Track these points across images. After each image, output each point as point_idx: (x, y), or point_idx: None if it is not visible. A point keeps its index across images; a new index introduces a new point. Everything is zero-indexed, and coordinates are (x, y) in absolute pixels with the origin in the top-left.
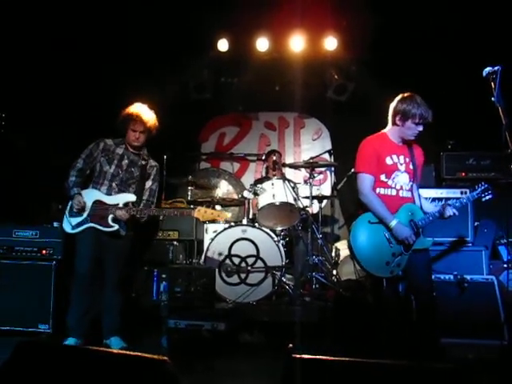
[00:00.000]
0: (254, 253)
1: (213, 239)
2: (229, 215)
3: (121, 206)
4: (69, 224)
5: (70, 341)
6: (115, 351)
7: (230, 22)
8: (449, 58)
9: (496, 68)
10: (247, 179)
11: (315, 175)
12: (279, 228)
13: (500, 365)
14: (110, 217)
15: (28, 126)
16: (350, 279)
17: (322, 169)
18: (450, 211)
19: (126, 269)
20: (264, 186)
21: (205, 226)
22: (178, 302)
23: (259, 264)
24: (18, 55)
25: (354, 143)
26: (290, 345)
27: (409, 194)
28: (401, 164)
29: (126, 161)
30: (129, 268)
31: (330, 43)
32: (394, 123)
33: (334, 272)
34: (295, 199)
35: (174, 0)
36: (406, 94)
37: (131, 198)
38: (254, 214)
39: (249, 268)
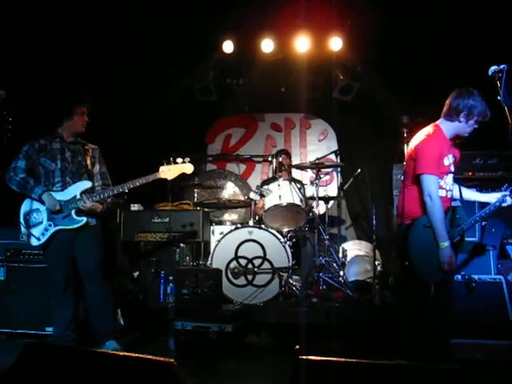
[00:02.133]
0: (261, 254)
1: (219, 241)
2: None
3: (78, 196)
4: (33, 237)
5: None
6: (121, 353)
7: (235, 24)
8: (454, 57)
9: (502, 67)
10: (253, 181)
11: (321, 176)
12: (286, 229)
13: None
14: (73, 212)
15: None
16: (357, 280)
17: (329, 169)
18: (509, 200)
19: (102, 259)
20: (270, 188)
21: (211, 227)
22: (185, 303)
23: (266, 265)
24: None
25: (360, 143)
26: (297, 346)
27: (454, 193)
28: (450, 164)
29: (69, 152)
30: (106, 257)
31: (335, 43)
32: (453, 119)
33: (341, 273)
34: (302, 200)
35: (179, 3)
36: (470, 89)
37: (86, 184)
38: (259, 216)
39: (256, 269)
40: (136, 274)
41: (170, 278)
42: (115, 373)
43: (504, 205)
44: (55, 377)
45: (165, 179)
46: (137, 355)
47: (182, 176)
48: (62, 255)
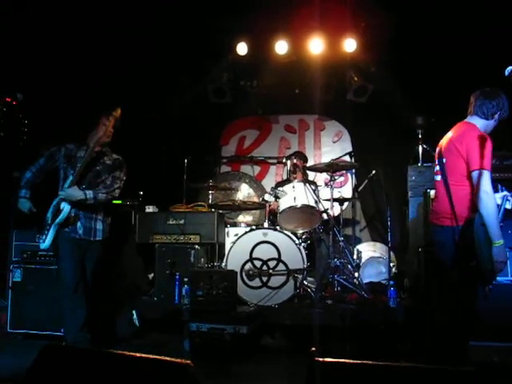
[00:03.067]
0: (276, 256)
1: (234, 242)
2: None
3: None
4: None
5: None
6: (138, 355)
7: (249, 26)
8: (469, 57)
9: None
10: (268, 182)
11: (336, 177)
12: (300, 231)
13: None
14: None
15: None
16: (371, 282)
17: (343, 171)
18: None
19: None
20: (285, 189)
21: (226, 229)
22: (199, 305)
23: (281, 267)
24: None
25: (374, 145)
26: (313, 348)
27: None
28: None
29: (90, 162)
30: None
31: (349, 45)
32: (488, 117)
33: (356, 274)
34: (316, 202)
35: (194, 5)
36: (497, 88)
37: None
38: (273, 218)
39: (270, 271)
40: (151, 275)
41: (185, 279)
42: (132, 374)
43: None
44: (72, 378)
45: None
46: (153, 356)
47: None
48: (72, 256)
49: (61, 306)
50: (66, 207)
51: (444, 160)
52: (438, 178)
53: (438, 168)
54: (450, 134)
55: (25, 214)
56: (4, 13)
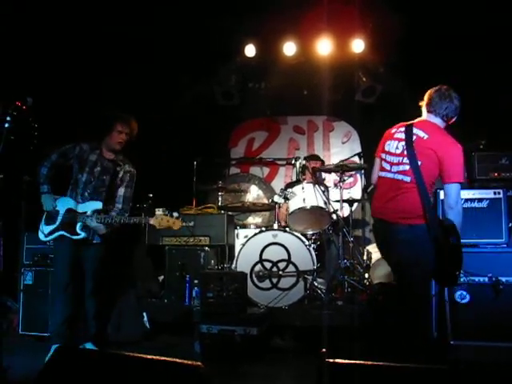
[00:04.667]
0: (286, 257)
1: (244, 244)
2: (182, 224)
3: (89, 213)
4: (41, 232)
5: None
6: (150, 356)
7: (257, 28)
8: (478, 56)
9: None
10: (277, 184)
11: (345, 178)
12: (310, 232)
13: None
14: (79, 225)
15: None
16: (381, 282)
17: (352, 172)
18: None
19: (99, 278)
20: (294, 190)
21: (236, 231)
22: (210, 307)
23: (291, 268)
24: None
25: None
26: (323, 349)
27: None
28: None
29: (99, 168)
30: (103, 274)
31: (357, 45)
32: (449, 120)
33: (366, 275)
34: (326, 203)
35: (201, 7)
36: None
37: (98, 205)
38: (283, 220)
39: (280, 272)
40: (161, 277)
41: (195, 281)
42: (143, 376)
43: None
44: (84, 380)
45: (153, 226)
46: (165, 358)
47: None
48: (67, 257)
49: (50, 302)
50: (82, 234)
51: (419, 163)
52: (406, 178)
53: (406, 168)
54: (421, 136)
55: (36, 215)
56: (5, 13)
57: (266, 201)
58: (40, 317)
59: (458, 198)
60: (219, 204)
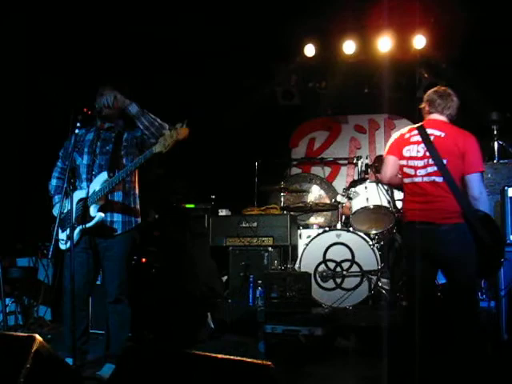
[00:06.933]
0: (349, 257)
1: (307, 244)
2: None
3: (97, 190)
4: (61, 240)
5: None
6: (220, 356)
7: (316, 27)
8: None
9: None
10: (339, 183)
11: None
12: (374, 231)
13: None
14: (92, 208)
15: None
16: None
17: None
18: None
19: (126, 280)
20: (357, 190)
21: (299, 231)
22: (274, 307)
23: (355, 268)
24: None
25: None
26: None
27: None
28: None
29: (99, 143)
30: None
31: (419, 41)
32: (453, 118)
33: None
34: (389, 202)
35: (260, 9)
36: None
37: (103, 176)
38: (346, 219)
39: (344, 272)
40: (225, 278)
41: (259, 281)
42: (213, 375)
43: None
44: (155, 379)
45: (160, 152)
46: (235, 357)
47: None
48: (85, 264)
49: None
50: (97, 215)
51: (445, 161)
52: (438, 179)
53: (435, 168)
54: (438, 134)
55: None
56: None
57: (327, 201)
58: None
59: (481, 187)
60: (281, 204)
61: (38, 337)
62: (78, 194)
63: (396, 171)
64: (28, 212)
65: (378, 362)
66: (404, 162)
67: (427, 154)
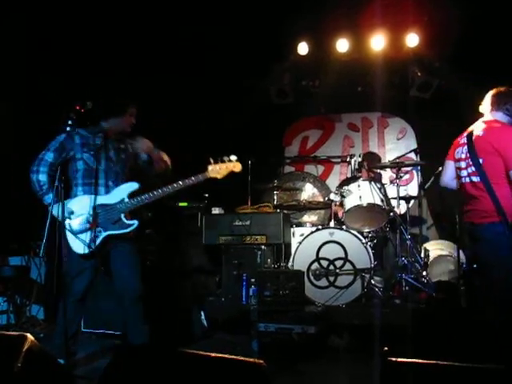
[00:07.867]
0: (343, 255)
1: (300, 242)
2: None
3: (126, 200)
4: (80, 244)
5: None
6: (213, 354)
7: (309, 26)
8: None
9: None
10: (332, 181)
11: (401, 175)
12: (367, 230)
13: None
14: (123, 216)
15: None
16: (440, 280)
17: (408, 168)
18: None
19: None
20: (350, 188)
21: (292, 229)
22: (267, 305)
23: (348, 266)
24: None
25: (440, 141)
26: (386, 348)
27: None
28: None
29: (112, 151)
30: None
31: (412, 40)
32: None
33: (424, 273)
34: (382, 200)
35: (254, 7)
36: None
37: (134, 186)
38: (336, 217)
39: (337, 271)
40: (218, 276)
41: (252, 280)
42: (205, 373)
43: None
44: (146, 377)
45: (214, 178)
46: (227, 356)
47: (231, 174)
48: (90, 266)
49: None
50: (134, 222)
51: (481, 160)
52: (475, 179)
53: (473, 168)
54: (478, 133)
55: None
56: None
57: (321, 199)
58: (102, 315)
59: None
60: (275, 203)
61: (29, 335)
62: (92, 199)
63: (452, 175)
64: (20, 210)
65: (370, 360)
66: (456, 165)
67: (468, 154)
